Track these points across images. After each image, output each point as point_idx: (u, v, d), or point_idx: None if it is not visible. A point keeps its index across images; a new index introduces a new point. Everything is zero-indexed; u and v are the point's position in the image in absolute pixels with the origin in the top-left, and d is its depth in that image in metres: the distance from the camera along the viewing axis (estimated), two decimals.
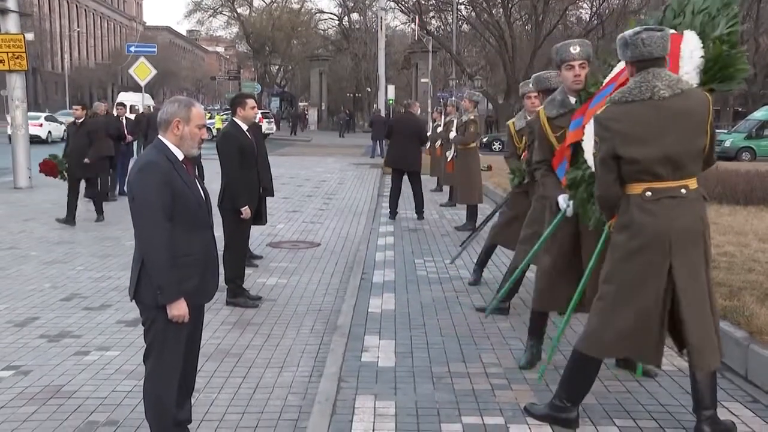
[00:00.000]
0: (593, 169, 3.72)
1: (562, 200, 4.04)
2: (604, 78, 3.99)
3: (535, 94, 5.68)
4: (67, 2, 79.69)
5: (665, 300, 3.27)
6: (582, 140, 3.90)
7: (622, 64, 3.74)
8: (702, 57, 3.41)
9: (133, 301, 3.24)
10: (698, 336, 3.26)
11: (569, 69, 4.16)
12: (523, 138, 5.88)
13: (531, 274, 6.81)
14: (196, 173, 3.31)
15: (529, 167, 5.41)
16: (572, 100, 4.20)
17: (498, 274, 6.74)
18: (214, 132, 25.12)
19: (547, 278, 4.21)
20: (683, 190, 3.23)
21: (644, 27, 3.25)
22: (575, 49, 4.15)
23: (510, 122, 6.45)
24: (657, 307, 3.27)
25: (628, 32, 3.25)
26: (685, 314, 3.25)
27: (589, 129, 3.78)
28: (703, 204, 3.34)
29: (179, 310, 3.10)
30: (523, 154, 5.83)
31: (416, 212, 10.65)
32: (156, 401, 3.22)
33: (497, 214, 6.66)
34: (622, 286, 3.31)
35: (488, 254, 6.73)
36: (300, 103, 58.52)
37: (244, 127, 6.04)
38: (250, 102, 6.15)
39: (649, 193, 3.23)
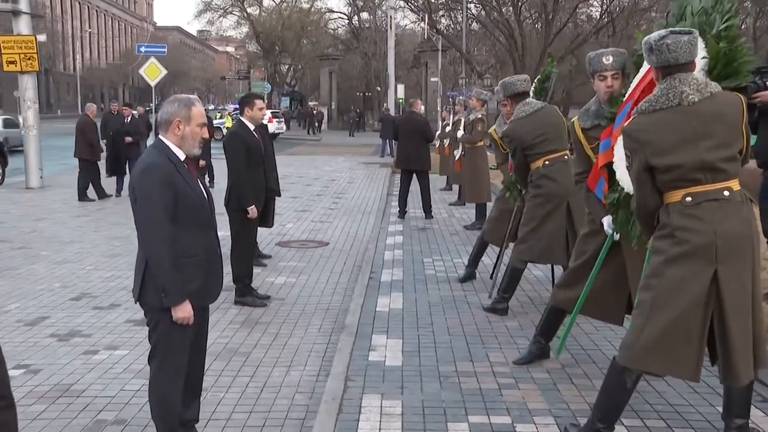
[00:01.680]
0: (627, 189, 3.67)
1: (607, 223, 3.94)
2: (626, 92, 3.90)
3: (508, 98, 5.62)
4: (79, 3, 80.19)
5: (706, 310, 3.11)
6: (613, 161, 3.83)
7: (637, 78, 3.70)
8: (704, 57, 3.30)
9: (138, 303, 3.23)
10: (738, 348, 3.11)
11: (602, 80, 4.09)
12: None
13: (538, 272, 6.85)
14: (206, 174, 3.33)
15: (520, 177, 5.43)
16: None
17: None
18: (224, 132, 25.18)
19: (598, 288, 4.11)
20: (726, 192, 3.08)
21: (670, 30, 3.13)
22: (608, 59, 4.07)
23: (492, 129, 6.43)
24: (697, 317, 3.10)
25: (654, 36, 3.12)
26: (730, 323, 3.09)
27: (619, 149, 3.71)
28: (750, 206, 3.15)
29: (184, 312, 3.09)
30: (509, 165, 5.82)
31: (424, 211, 10.66)
32: (161, 401, 3.23)
33: (491, 211, 6.64)
34: (659, 293, 3.14)
35: (480, 251, 6.75)
36: (310, 102, 58.58)
37: (251, 126, 6.06)
38: (259, 103, 6.16)
39: (689, 199, 3.09)
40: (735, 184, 3.14)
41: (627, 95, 3.80)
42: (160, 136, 3.20)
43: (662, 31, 3.15)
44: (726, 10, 3.28)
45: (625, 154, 3.29)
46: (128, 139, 12.72)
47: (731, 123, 3.11)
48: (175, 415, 3.25)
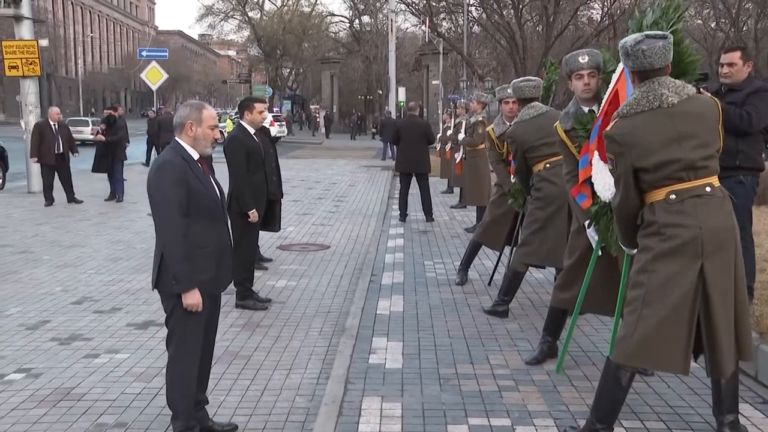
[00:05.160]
0: (604, 199, 3.77)
1: (591, 235, 4.06)
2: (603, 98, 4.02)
3: (514, 99, 5.71)
4: (81, 8, 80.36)
5: (694, 304, 3.16)
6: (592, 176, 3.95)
7: (608, 93, 3.82)
8: None
9: (155, 290, 3.45)
10: (723, 340, 3.16)
11: (579, 78, 4.21)
12: (505, 144, 5.90)
13: (539, 275, 6.86)
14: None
15: (522, 180, 5.47)
16: (585, 109, 4.24)
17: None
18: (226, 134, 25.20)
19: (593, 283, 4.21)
20: (708, 188, 3.16)
21: (645, 34, 3.22)
22: (584, 59, 4.20)
23: (489, 128, 6.45)
24: (685, 311, 3.15)
25: (630, 40, 3.20)
26: (717, 316, 3.14)
27: (596, 164, 3.82)
28: (729, 201, 3.25)
29: (193, 299, 3.31)
30: (510, 168, 5.85)
31: (425, 214, 10.67)
32: (180, 382, 3.42)
33: (485, 215, 6.65)
34: (649, 289, 3.20)
35: (472, 254, 6.76)
36: (312, 106, 58.62)
37: (251, 130, 6.05)
38: (259, 106, 6.09)
39: (673, 196, 3.16)
40: (715, 180, 3.23)
41: (599, 111, 3.90)
42: (175, 138, 3.45)
43: (638, 36, 3.23)
44: (670, 18, 3.45)
45: (609, 158, 3.34)
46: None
47: (709, 123, 3.22)
48: (192, 395, 3.45)
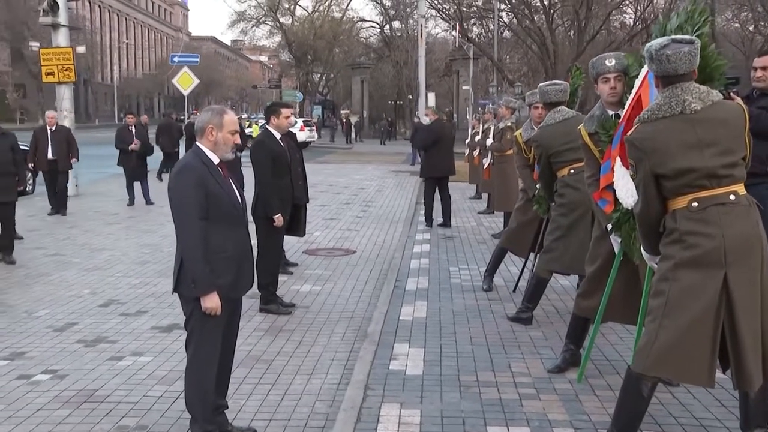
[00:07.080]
0: (626, 206, 3.75)
1: (615, 242, 4.05)
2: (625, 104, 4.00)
3: (542, 105, 5.70)
4: (117, 15, 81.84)
5: (718, 314, 3.08)
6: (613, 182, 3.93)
7: (630, 98, 3.80)
8: None
9: (175, 293, 3.48)
10: (749, 352, 3.08)
11: (605, 82, 4.20)
12: (532, 149, 5.86)
13: (564, 282, 6.78)
14: (239, 177, 3.57)
15: (545, 184, 5.43)
16: (610, 113, 4.21)
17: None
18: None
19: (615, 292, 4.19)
20: (732, 196, 3.09)
21: (672, 38, 3.16)
22: (610, 62, 4.19)
23: (517, 133, 6.44)
24: (709, 322, 3.08)
25: (655, 44, 3.15)
26: (741, 326, 3.06)
27: (618, 170, 3.80)
28: (756, 209, 3.18)
29: (212, 302, 3.34)
30: (534, 173, 5.81)
31: (443, 218, 10.59)
32: (197, 385, 3.44)
33: (510, 222, 6.62)
34: (671, 298, 3.13)
35: (498, 260, 6.71)
36: (342, 111, 58.81)
37: (278, 135, 6.09)
38: (285, 111, 6.15)
39: (695, 204, 3.10)
40: (740, 188, 3.14)
41: (622, 117, 3.86)
42: (196, 142, 3.50)
43: (663, 40, 3.16)
44: (695, 23, 3.39)
45: (630, 163, 3.29)
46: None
47: (734, 130, 3.13)
48: (209, 399, 3.47)
